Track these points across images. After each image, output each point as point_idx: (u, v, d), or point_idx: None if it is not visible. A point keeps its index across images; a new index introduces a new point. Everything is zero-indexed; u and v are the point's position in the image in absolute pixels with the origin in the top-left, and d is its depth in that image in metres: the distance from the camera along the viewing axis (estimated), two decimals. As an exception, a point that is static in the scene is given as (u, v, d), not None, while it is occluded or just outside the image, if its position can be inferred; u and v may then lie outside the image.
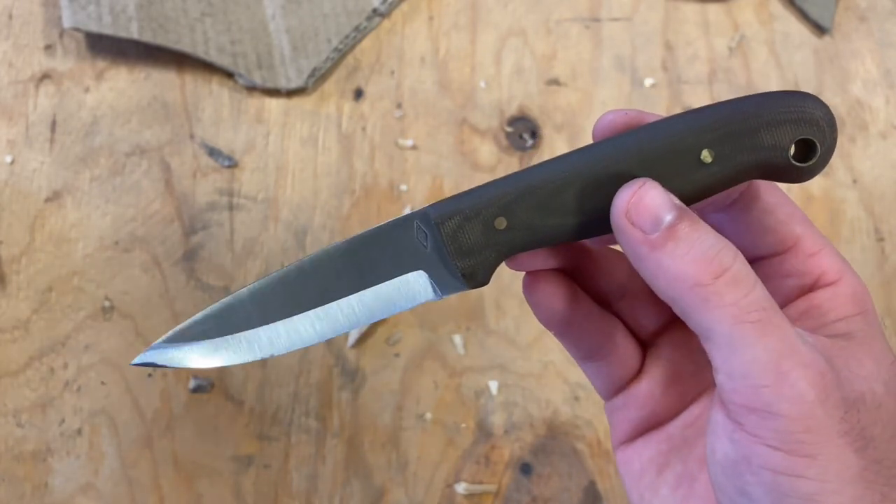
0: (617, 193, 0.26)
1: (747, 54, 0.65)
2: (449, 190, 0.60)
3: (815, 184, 0.62)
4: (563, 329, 0.31)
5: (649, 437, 0.31)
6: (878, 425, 0.24)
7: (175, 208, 0.58)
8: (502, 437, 0.55)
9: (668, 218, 0.25)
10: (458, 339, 0.56)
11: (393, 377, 0.56)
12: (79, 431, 0.54)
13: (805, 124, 0.26)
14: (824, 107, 0.26)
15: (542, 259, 0.30)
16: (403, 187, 0.59)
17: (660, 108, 0.63)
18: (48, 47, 0.62)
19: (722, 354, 0.24)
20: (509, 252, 0.28)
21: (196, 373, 0.55)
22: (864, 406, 0.24)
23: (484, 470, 0.54)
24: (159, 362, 0.29)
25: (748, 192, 0.29)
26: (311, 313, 0.29)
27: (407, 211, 0.59)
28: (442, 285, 0.28)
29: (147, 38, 0.59)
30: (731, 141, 0.26)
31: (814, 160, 0.26)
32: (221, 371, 0.55)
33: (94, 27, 0.59)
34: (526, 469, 0.54)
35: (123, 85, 0.61)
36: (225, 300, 0.29)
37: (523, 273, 0.31)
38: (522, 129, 0.62)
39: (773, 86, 0.64)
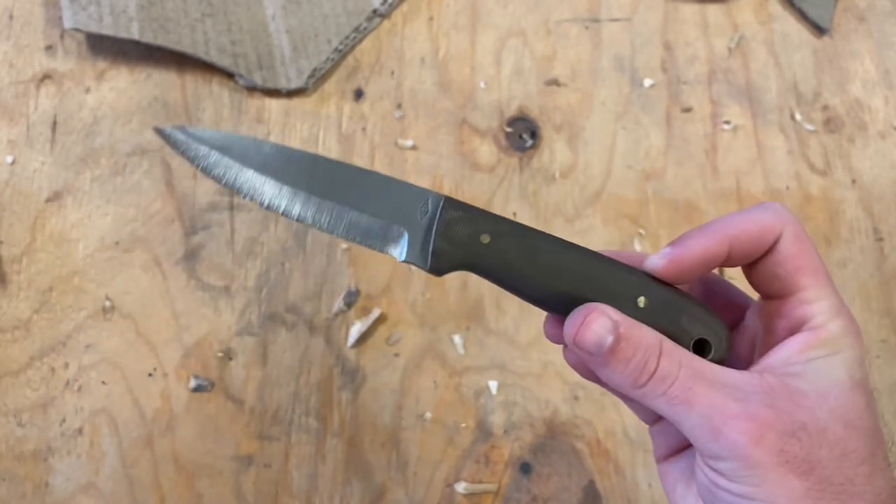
0: (568, 318, 0.31)
1: (746, 55, 0.65)
2: (449, 190, 0.60)
3: (815, 184, 0.62)
4: (599, 379, 0.35)
5: (684, 453, 0.35)
6: (823, 448, 0.28)
7: (176, 208, 0.59)
8: (502, 437, 0.55)
9: (608, 342, 0.30)
10: (457, 338, 0.57)
11: (393, 377, 0.56)
12: (79, 431, 0.54)
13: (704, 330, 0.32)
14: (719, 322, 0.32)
15: None
16: (403, 187, 0.60)
17: (659, 108, 0.63)
18: (49, 48, 0.62)
19: (677, 424, 0.30)
20: (474, 265, 0.33)
21: (196, 372, 0.55)
22: (805, 433, 0.28)
23: (484, 469, 0.54)
24: (175, 139, 0.35)
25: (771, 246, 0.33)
26: (312, 197, 0.34)
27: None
28: (411, 251, 0.33)
29: (148, 38, 0.60)
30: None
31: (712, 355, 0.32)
32: (222, 371, 0.55)
33: (94, 28, 0.59)
34: (525, 468, 0.54)
35: (124, 85, 0.61)
36: (251, 139, 0.35)
37: None
38: (522, 130, 0.62)
39: (773, 86, 0.64)
